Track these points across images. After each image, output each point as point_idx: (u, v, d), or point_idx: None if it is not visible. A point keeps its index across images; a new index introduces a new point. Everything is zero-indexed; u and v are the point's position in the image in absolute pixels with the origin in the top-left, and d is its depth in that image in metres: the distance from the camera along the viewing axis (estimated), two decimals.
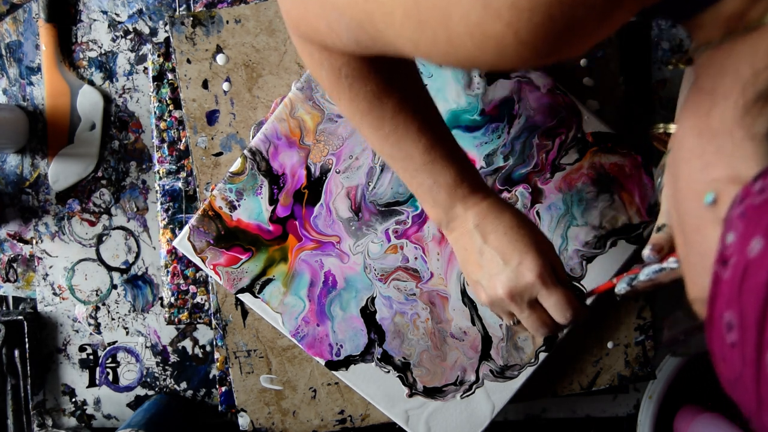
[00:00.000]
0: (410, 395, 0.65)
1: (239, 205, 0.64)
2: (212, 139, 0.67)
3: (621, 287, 0.47)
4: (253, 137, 0.66)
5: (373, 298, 0.65)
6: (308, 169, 0.64)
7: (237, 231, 0.64)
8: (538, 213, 0.64)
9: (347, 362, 0.65)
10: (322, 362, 0.65)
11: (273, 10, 0.66)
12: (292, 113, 0.63)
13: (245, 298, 0.65)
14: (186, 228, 0.64)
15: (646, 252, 0.44)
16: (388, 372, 0.65)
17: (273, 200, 0.64)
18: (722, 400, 0.77)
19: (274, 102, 0.66)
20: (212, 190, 0.65)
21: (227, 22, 0.66)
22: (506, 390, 0.65)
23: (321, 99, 0.63)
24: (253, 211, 0.64)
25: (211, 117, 0.67)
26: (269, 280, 0.64)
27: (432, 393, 0.65)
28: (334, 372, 0.65)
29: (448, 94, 0.63)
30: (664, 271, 0.44)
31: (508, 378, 0.65)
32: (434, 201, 0.50)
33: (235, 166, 0.64)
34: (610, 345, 0.68)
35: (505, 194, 0.64)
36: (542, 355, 0.65)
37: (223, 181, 0.64)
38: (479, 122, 0.64)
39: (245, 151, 0.64)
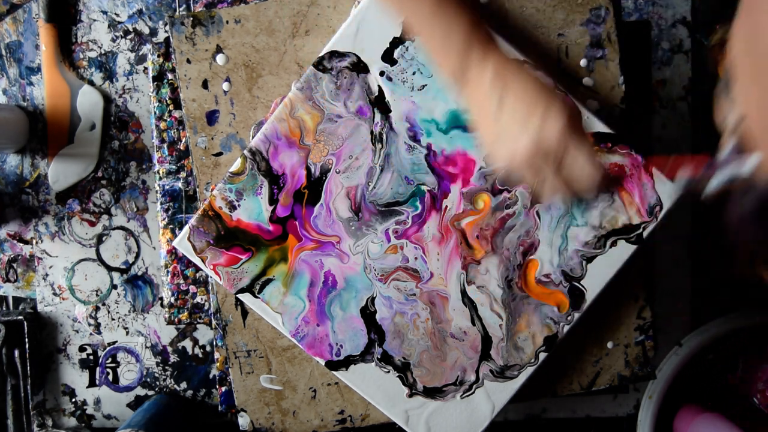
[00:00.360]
0: (410, 395, 0.65)
1: (239, 205, 0.64)
2: (212, 139, 0.67)
3: (715, 184, 0.44)
4: (253, 137, 0.66)
5: (373, 298, 0.65)
6: (308, 169, 0.64)
7: (237, 231, 0.64)
8: (537, 213, 0.64)
9: (347, 362, 0.65)
10: (322, 362, 0.65)
11: (273, 10, 0.66)
12: (291, 113, 0.63)
13: (245, 298, 0.65)
14: (186, 228, 0.64)
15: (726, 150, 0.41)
16: (388, 372, 0.65)
17: (273, 200, 0.64)
18: (722, 400, 0.77)
19: (274, 102, 0.66)
20: (212, 190, 0.65)
21: (227, 22, 0.66)
22: (506, 390, 0.65)
23: (321, 99, 0.63)
24: (253, 211, 0.64)
25: (211, 117, 0.67)
26: (269, 280, 0.64)
27: (432, 393, 0.65)
28: (334, 372, 0.65)
29: (449, 94, 0.63)
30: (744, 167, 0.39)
31: (508, 378, 0.65)
32: (449, 46, 0.46)
33: (235, 166, 0.64)
34: (610, 345, 0.68)
35: (504, 193, 0.64)
36: (542, 355, 0.65)
37: (222, 181, 0.64)
38: None
39: (245, 151, 0.64)
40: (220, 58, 0.66)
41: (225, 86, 0.66)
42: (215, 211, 0.64)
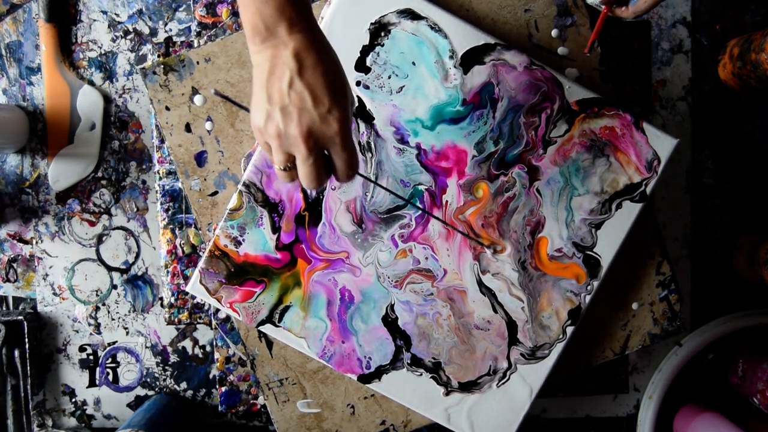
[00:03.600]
0: (447, 393, 0.65)
1: (243, 240, 0.64)
2: (205, 180, 0.67)
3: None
4: (244, 170, 0.66)
5: (392, 306, 0.65)
6: (304, 191, 0.64)
7: (246, 265, 0.64)
8: (538, 190, 0.64)
9: (379, 373, 0.65)
10: (354, 378, 0.65)
11: (240, 42, 0.66)
12: None
13: (267, 329, 0.65)
14: (196, 272, 0.65)
15: None
16: (421, 375, 0.65)
17: (275, 228, 0.64)
18: (722, 400, 0.77)
19: None
20: (214, 230, 0.65)
21: (197, 62, 0.66)
22: (541, 370, 0.65)
23: None
24: (258, 243, 0.64)
25: (200, 158, 0.67)
26: (287, 308, 0.65)
27: (468, 387, 0.65)
28: (367, 385, 0.66)
29: (427, 90, 0.63)
30: None
31: (540, 358, 0.65)
32: (258, 10, 0.45)
33: (232, 202, 0.64)
34: (635, 306, 0.68)
35: (501, 177, 0.64)
36: (569, 329, 0.65)
37: (223, 219, 0.64)
38: (463, 112, 0.64)
39: (239, 186, 0.64)
40: (197, 99, 0.66)
41: (208, 126, 0.67)
42: (221, 250, 0.64)
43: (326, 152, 0.48)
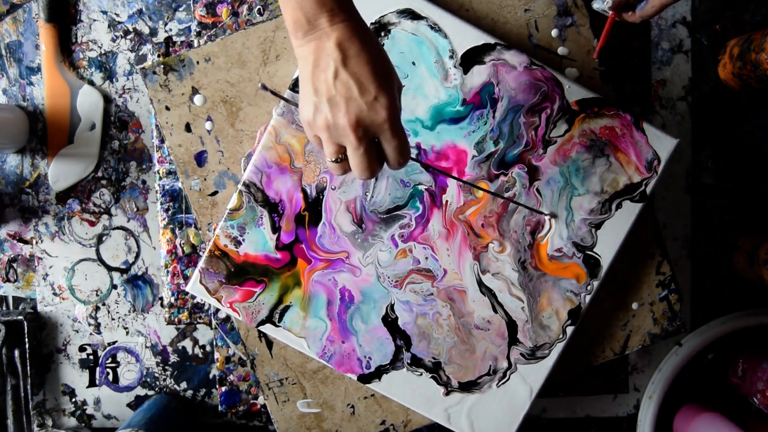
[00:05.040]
0: (447, 393, 0.65)
1: (243, 240, 0.64)
2: (205, 180, 0.67)
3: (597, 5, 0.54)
4: (244, 170, 0.66)
5: (392, 306, 0.65)
6: (304, 191, 0.64)
7: (246, 265, 0.64)
8: (538, 190, 0.64)
9: (379, 373, 0.65)
10: (354, 377, 0.65)
11: (240, 42, 0.66)
12: (278, 140, 0.64)
13: (267, 329, 0.65)
14: (196, 272, 0.65)
15: None
16: (421, 375, 0.65)
17: (275, 228, 0.64)
18: (722, 400, 0.77)
19: (259, 132, 0.67)
20: (214, 230, 0.65)
21: (197, 62, 0.66)
22: (540, 370, 0.65)
23: None
24: (258, 242, 0.64)
25: (200, 158, 0.67)
26: (287, 307, 0.65)
27: (468, 387, 0.65)
28: (367, 385, 0.66)
29: (427, 90, 0.63)
30: None
31: (540, 358, 0.65)
32: (299, 3, 0.45)
33: (232, 202, 0.64)
34: (635, 306, 0.68)
35: (501, 177, 0.64)
36: (569, 329, 0.65)
37: (223, 219, 0.64)
38: (463, 112, 0.64)
39: (239, 186, 0.64)
40: (197, 99, 0.66)
41: (207, 126, 0.67)
42: (221, 250, 0.64)
43: (376, 140, 0.47)
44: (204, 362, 0.74)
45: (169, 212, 0.71)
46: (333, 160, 0.48)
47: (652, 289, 0.68)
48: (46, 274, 0.74)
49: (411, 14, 0.63)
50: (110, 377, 0.75)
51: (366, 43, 0.45)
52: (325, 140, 0.47)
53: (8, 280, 0.75)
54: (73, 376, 0.75)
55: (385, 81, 0.45)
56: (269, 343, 0.68)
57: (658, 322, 0.69)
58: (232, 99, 0.66)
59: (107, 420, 0.76)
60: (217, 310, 0.69)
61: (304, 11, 0.45)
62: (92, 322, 0.74)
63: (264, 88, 0.50)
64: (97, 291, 0.74)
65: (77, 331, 0.75)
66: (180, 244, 0.71)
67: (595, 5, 0.62)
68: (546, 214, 0.64)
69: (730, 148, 0.76)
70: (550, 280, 0.64)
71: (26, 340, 0.71)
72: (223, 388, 0.71)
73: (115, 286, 0.74)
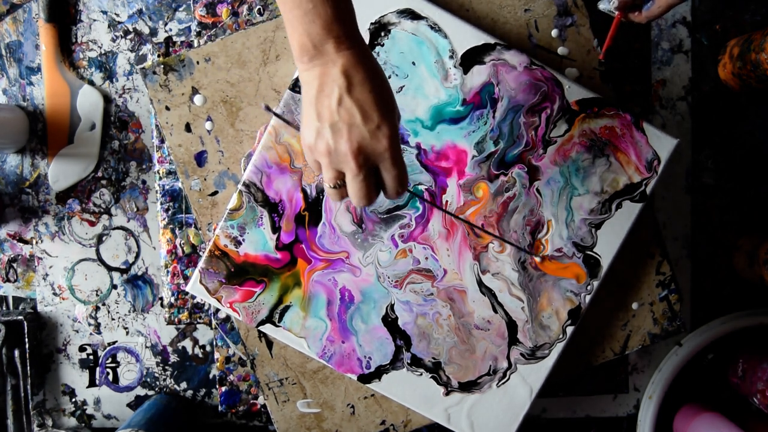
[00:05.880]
0: (447, 393, 0.65)
1: (243, 240, 0.64)
2: (205, 180, 0.67)
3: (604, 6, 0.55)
4: (244, 170, 0.66)
5: (392, 306, 0.65)
6: (304, 191, 0.64)
7: (246, 265, 0.64)
8: (538, 190, 0.64)
9: (379, 373, 0.65)
10: (354, 378, 0.65)
11: (240, 42, 0.66)
12: (277, 140, 0.64)
13: (267, 329, 0.65)
14: (196, 272, 0.65)
15: None
16: (421, 375, 0.65)
17: (275, 228, 0.64)
18: (722, 400, 0.77)
19: (259, 132, 0.67)
20: (214, 230, 0.65)
21: (197, 62, 0.66)
22: (540, 370, 0.65)
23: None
24: (258, 242, 0.64)
25: (200, 158, 0.67)
26: (287, 307, 0.65)
27: (468, 387, 0.65)
28: (367, 385, 0.66)
29: (427, 90, 0.63)
30: None
31: (540, 358, 0.65)
32: (305, 30, 0.45)
33: (232, 202, 0.64)
34: (634, 306, 0.68)
35: (501, 177, 0.64)
36: (569, 329, 0.65)
37: (223, 219, 0.64)
38: (463, 112, 0.64)
39: (239, 186, 0.64)
40: (197, 99, 0.66)
41: (207, 126, 0.67)
42: (221, 250, 0.64)
43: (375, 169, 0.48)
44: (204, 362, 0.74)
45: (169, 212, 0.71)
46: (332, 186, 0.48)
47: (652, 289, 0.68)
48: (46, 274, 0.74)
49: (411, 14, 0.63)
50: (110, 377, 0.75)
51: (371, 72, 0.46)
52: (325, 166, 0.47)
53: (8, 280, 0.76)
54: (73, 376, 0.75)
55: (388, 110, 0.46)
56: (269, 343, 0.68)
57: (658, 322, 0.69)
58: (232, 99, 0.66)
59: (107, 420, 0.76)
60: (217, 310, 0.69)
61: (311, 37, 0.45)
62: (92, 322, 0.74)
63: (267, 109, 0.50)
64: (97, 291, 0.74)
65: (77, 331, 0.75)
66: (180, 244, 0.71)
67: (601, 6, 0.62)
68: (527, 251, 0.64)
69: (730, 148, 0.76)
70: (550, 280, 0.64)
71: (26, 340, 0.71)
72: (223, 388, 0.71)
73: (115, 286, 0.74)
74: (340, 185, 0.48)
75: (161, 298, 0.74)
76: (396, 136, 0.46)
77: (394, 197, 0.49)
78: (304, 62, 0.46)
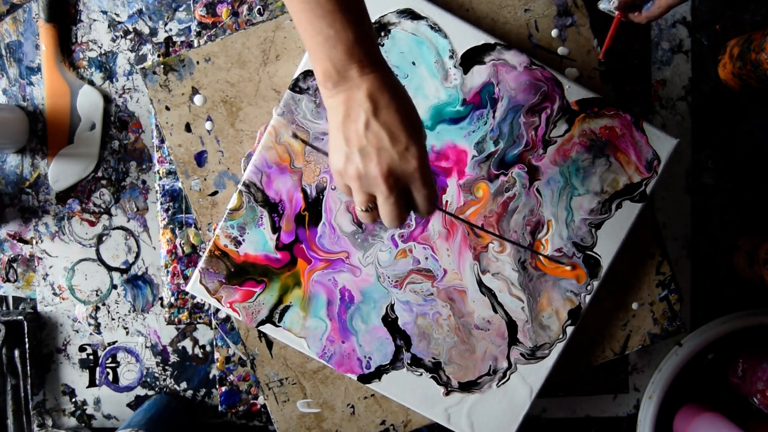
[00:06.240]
0: (447, 393, 0.65)
1: (243, 240, 0.64)
2: (205, 180, 0.67)
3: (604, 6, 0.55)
4: (244, 170, 0.66)
5: (392, 306, 0.65)
6: (304, 191, 0.64)
7: (246, 265, 0.64)
8: (538, 190, 0.64)
9: (379, 373, 0.65)
10: (354, 378, 0.65)
11: (240, 42, 0.66)
12: (277, 140, 0.64)
13: (267, 329, 0.65)
14: (196, 272, 0.65)
15: None
16: (421, 375, 0.65)
17: (275, 228, 0.64)
18: (722, 400, 0.77)
19: (259, 132, 0.67)
20: (214, 230, 0.65)
21: (197, 62, 0.66)
22: (540, 370, 0.65)
23: (303, 120, 0.63)
24: (258, 242, 0.64)
25: (200, 158, 0.67)
26: (287, 307, 0.65)
27: (468, 387, 0.65)
28: (367, 385, 0.66)
29: (427, 90, 0.63)
30: None
31: (540, 358, 0.65)
32: (328, 56, 0.45)
33: (232, 202, 0.64)
34: (634, 306, 0.68)
35: (501, 177, 0.64)
36: (569, 329, 0.65)
37: (223, 219, 0.64)
38: (463, 112, 0.64)
39: (239, 186, 0.64)
40: (197, 99, 0.66)
41: (207, 126, 0.67)
42: (221, 250, 0.64)
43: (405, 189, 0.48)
44: (204, 362, 0.74)
45: (169, 212, 0.71)
46: (363, 209, 0.48)
47: (652, 289, 0.68)
48: (46, 274, 0.74)
49: (411, 14, 0.63)
50: (110, 377, 0.75)
51: (396, 94, 0.46)
52: (355, 190, 0.47)
53: (8, 280, 0.76)
54: (73, 376, 0.75)
55: (415, 131, 0.46)
56: (269, 343, 0.68)
57: (658, 322, 0.69)
58: (232, 99, 0.66)
59: (107, 420, 0.76)
60: (217, 310, 0.69)
61: (334, 63, 0.45)
62: (92, 322, 0.74)
63: (295, 136, 0.50)
64: (97, 291, 0.74)
65: (77, 331, 0.75)
66: (180, 244, 0.71)
67: (601, 6, 0.62)
68: (530, 250, 0.64)
69: (730, 148, 0.76)
70: (550, 279, 0.64)
71: (26, 340, 0.72)
72: (223, 388, 0.71)
73: (115, 286, 0.74)
74: (372, 208, 0.48)
75: (161, 298, 0.74)
76: (425, 155, 0.46)
77: (426, 216, 0.49)
78: (329, 88, 0.46)
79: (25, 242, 0.75)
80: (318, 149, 0.54)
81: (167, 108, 0.67)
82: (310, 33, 0.45)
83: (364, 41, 0.45)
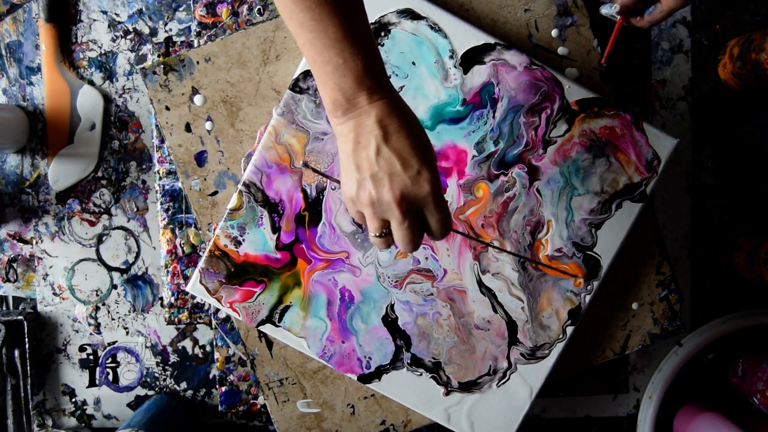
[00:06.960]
0: (447, 393, 0.65)
1: (243, 240, 0.64)
2: (205, 180, 0.67)
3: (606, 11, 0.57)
4: (244, 170, 0.66)
5: (392, 306, 0.65)
6: (304, 191, 0.64)
7: (246, 265, 0.64)
8: (538, 190, 0.64)
9: (379, 373, 0.65)
10: (354, 378, 0.65)
11: (240, 42, 0.66)
12: (277, 140, 0.64)
13: (267, 329, 0.65)
14: (196, 272, 0.65)
15: None
16: (421, 375, 0.65)
17: (275, 228, 0.64)
18: (722, 400, 0.77)
19: (259, 132, 0.67)
20: (214, 230, 0.65)
21: (197, 62, 0.66)
22: (540, 370, 0.65)
23: (303, 120, 0.64)
24: (258, 242, 0.64)
25: (200, 158, 0.67)
26: (287, 307, 0.65)
27: (468, 387, 0.65)
28: (367, 385, 0.66)
29: (427, 90, 0.63)
30: None
31: (540, 358, 0.65)
32: (337, 84, 0.45)
33: (232, 202, 0.64)
34: (634, 306, 0.68)
35: (501, 177, 0.64)
36: (569, 329, 0.65)
37: (223, 219, 0.64)
38: (463, 112, 0.64)
39: (239, 186, 0.64)
40: (197, 99, 0.66)
41: (207, 126, 0.67)
42: (221, 250, 0.64)
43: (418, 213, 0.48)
44: (204, 362, 0.74)
45: (169, 212, 0.71)
46: (377, 235, 0.48)
47: (652, 289, 0.68)
48: (46, 274, 0.74)
49: (411, 14, 0.63)
50: (110, 377, 0.75)
51: (405, 119, 0.46)
52: (369, 216, 0.47)
53: (8, 280, 0.76)
54: (73, 376, 0.75)
55: (426, 154, 0.46)
56: (269, 343, 0.68)
57: (658, 322, 0.69)
58: (232, 99, 0.66)
59: (107, 420, 0.76)
60: (217, 310, 0.69)
61: (343, 91, 0.45)
62: (92, 322, 0.74)
63: (306, 165, 0.51)
64: (97, 291, 0.74)
65: (77, 331, 0.75)
66: (180, 244, 0.71)
67: (603, 10, 0.63)
68: (531, 260, 0.64)
69: (730, 148, 0.76)
70: (550, 279, 0.64)
71: (26, 340, 0.72)
72: (223, 388, 0.71)
73: (115, 286, 0.74)
74: (386, 233, 0.48)
75: (161, 298, 0.74)
76: (437, 179, 0.46)
77: (440, 239, 0.49)
78: (338, 116, 0.47)
79: (25, 242, 0.75)
80: (331, 178, 0.55)
81: (167, 108, 0.67)
82: (319, 63, 0.45)
83: (372, 68, 0.45)
